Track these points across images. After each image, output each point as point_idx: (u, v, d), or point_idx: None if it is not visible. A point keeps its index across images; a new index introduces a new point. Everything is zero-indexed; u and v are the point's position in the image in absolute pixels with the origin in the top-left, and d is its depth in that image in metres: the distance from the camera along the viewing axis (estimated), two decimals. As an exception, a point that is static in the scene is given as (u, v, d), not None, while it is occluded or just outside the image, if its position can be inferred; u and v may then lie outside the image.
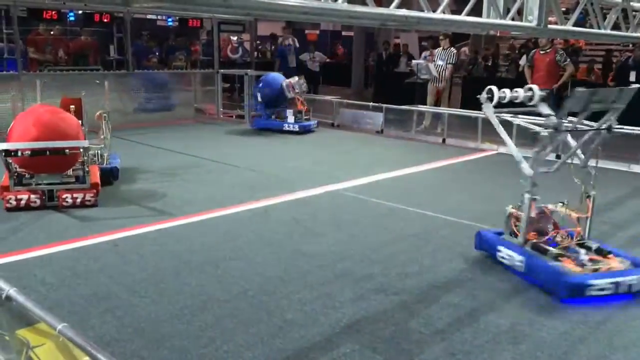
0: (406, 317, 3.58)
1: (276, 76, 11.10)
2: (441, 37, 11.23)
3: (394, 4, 3.13)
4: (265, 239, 4.90)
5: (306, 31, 25.01)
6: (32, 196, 5.52)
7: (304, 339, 3.28)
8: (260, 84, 10.88)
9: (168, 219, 5.35)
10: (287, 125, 10.58)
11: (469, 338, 3.33)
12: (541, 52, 10.10)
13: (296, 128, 10.49)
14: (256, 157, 8.33)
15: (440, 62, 11.31)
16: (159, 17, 14.28)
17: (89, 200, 5.64)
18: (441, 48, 11.39)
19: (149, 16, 14.40)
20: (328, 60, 19.69)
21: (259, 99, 10.80)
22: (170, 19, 13.33)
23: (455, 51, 11.58)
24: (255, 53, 18.78)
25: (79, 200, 5.61)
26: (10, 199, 5.47)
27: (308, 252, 4.63)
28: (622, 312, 3.73)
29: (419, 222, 5.49)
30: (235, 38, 14.79)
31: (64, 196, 5.58)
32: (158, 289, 3.86)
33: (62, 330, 2.49)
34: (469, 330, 3.43)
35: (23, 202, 5.50)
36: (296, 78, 10.75)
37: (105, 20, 11.53)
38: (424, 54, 12.74)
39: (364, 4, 3.14)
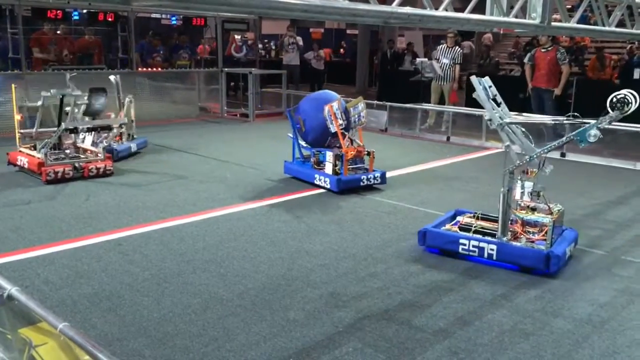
0: (409, 316, 3.57)
1: (324, 96, 6.96)
2: (450, 35, 11.17)
3: (396, 2, 3.12)
4: (268, 238, 4.90)
5: (311, 29, 25.01)
6: (66, 169, 6.49)
7: (306, 337, 3.27)
8: (300, 112, 6.82)
9: (172, 217, 5.36)
10: (319, 177, 6.48)
11: (471, 337, 3.32)
12: (542, 50, 10.07)
13: (328, 185, 6.35)
14: (261, 155, 8.33)
15: (445, 61, 11.27)
16: (163, 15, 14.30)
17: (109, 169, 6.77)
18: (446, 45, 11.35)
19: (153, 15, 14.43)
20: (331, 57, 19.72)
21: (301, 139, 6.92)
22: (174, 18, 13.35)
23: (460, 50, 11.54)
24: (263, 52, 18.84)
25: (101, 170, 6.71)
26: (49, 172, 6.38)
27: (311, 250, 4.63)
28: (625, 311, 3.71)
29: (422, 220, 5.46)
30: (239, 37, 14.79)
31: (90, 167, 6.63)
32: (161, 288, 3.86)
33: (62, 330, 2.49)
34: (472, 329, 3.42)
35: (60, 174, 6.44)
36: (337, 99, 6.73)
37: (110, 19, 11.56)
38: (433, 52, 12.70)
39: (366, 1, 3.13)
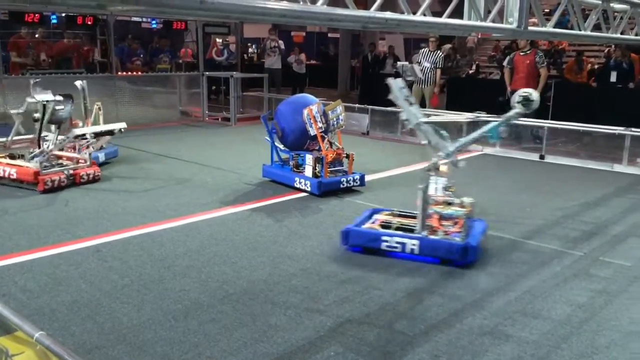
0: (391, 319, 3.58)
1: (303, 99, 7.03)
2: (432, 39, 11.25)
3: (374, 7, 3.13)
4: (250, 242, 4.88)
5: (292, 33, 25.03)
6: (61, 177, 6.40)
7: (288, 342, 3.26)
8: (278, 115, 6.90)
9: (152, 222, 5.31)
10: (299, 180, 6.50)
11: (452, 339, 3.34)
12: (521, 53, 10.21)
13: (309, 188, 6.37)
14: (242, 159, 8.29)
15: (426, 64, 11.35)
16: (143, 19, 14.21)
17: (98, 175, 6.78)
18: (427, 49, 11.43)
19: (133, 18, 14.32)
20: (312, 62, 19.81)
21: (278, 143, 6.91)
22: (154, 21, 13.26)
23: (442, 54, 11.63)
24: (244, 55, 18.81)
25: (91, 176, 6.69)
26: (47, 181, 6.27)
27: (293, 254, 4.62)
28: (604, 312, 3.76)
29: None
30: (220, 40, 14.75)
31: (80, 174, 6.58)
32: (140, 295, 3.82)
33: (39, 339, 2.46)
34: (453, 331, 3.44)
35: (56, 182, 6.34)
36: (316, 102, 6.74)
37: (89, 22, 11.44)
38: (414, 56, 12.84)
39: (345, 6, 3.14)
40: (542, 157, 8.89)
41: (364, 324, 3.50)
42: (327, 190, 6.36)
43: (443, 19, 3.64)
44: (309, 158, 6.48)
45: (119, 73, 11.82)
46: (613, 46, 12.89)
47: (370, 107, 11.23)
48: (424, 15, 3.47)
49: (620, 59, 11.98)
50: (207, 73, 12.64)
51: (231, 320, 3.50)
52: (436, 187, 4.63)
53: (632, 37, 5.83)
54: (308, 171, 6.46)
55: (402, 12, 3.38)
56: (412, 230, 4.62)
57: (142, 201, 6.06)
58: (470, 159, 9.10)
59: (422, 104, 11.52)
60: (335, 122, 6.59)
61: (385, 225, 4.79)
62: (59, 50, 11.95)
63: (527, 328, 3.49)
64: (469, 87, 14.18)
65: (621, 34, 5.69)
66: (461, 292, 3.98)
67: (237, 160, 8.22)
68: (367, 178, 6.83)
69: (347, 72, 19.28)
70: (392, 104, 11.46)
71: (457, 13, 3.96)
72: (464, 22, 3.83)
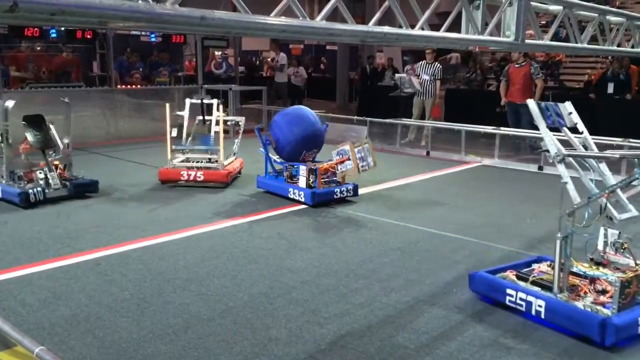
0: (391, 332, 3.57)
1: (298, 111, 7.21)
2: (428, 51, 11.33)
3: (372, 21, 3.16)
4: (249, 255, 4.88)
5: (290, 46, 25.16)
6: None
7: (288, 356, 3.25)
8: (273, 126, 7.01)
9: (151, 236, 5.30)
10: (293, 191, 6.55)
11: (454, 352, 3.33)
12: (516, 65, 10.30)
13: (303, 198, 6.40)
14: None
15: (425, 77, 11.41)
16: (142, 33, 14.27)
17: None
18: (425, 62, 11.49)
19: (132, 32, 14.39)
20: (310, 73, 19.96)
21: (272, 154, 7.01)
22: (153, 35, 13.33)
23: (440, 66, 11.70)
24: (242, 67, 18.87)
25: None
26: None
27: (292, 267, 4.61)
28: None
29: (403, 235, 5.50)
30: (219, 53, 14.83)
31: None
32: (140, 308, 3.81)
33: (39, 354, 2.46)
34: (454, 344, 3.43)
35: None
36: (311, 114, 7.06)
37: (88, 36, 11.51)
38: (406, 67, 12.92)
39: (344, 20, 3.17)
40: (540, 168, 8.91)
41: (365, 337, 3.49)
42: (321, 200, 6.40)
43: (441, 33, 3.67)
44: (302, 169, 6.54)
45: (118, 86, 11.86)
46: (610, 58, 12.98)
47: (368, 118, 11.26)
48: (422, 29, 3.50)
49: (617, 70, 12.06)
50: (206, 86, 12.68)
51: (231, 334, 3.49)
52: (605, 240, 3.69)
53: (629, 49, 5.88)
54: (302, 182, 6.52)
55: (400, 26, 3.41)
56: (550, 288, 3.68)
57: (141, 214, 6.06)
58: (469, 170, 9.14)
59: (424, 116, 11.59)
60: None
61: (522, 277, 3.91)
62: (58, 64, 12.00)
63: (529, 340, 3.48)
64: (467, 98, 14.25)
65: (618, 46, 5.73)
66: (462, 305, 3.97)
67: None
68: (365, 190, 6.84)
69: (346, 84, 19.36)
70: (389, 115, 11.50)
71: (455, 26, 4.00)
72: (462, 35, 3.86)
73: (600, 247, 3.71)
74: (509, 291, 3.80)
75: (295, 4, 2.68)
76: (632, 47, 6.09)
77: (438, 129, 10.90)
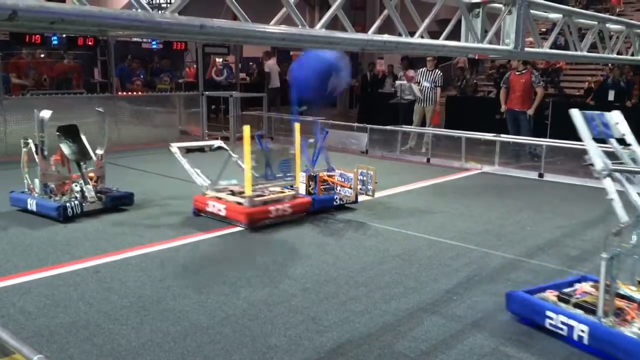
0: (391, 340, 3.56)
1: (317, 52, 5.83)
2: (429, 58, 11.37)
3: (372, 30, 3.17)
4: (249, 262, 4.87)
5: (291, 52, 25.19)
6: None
7: (287, 364, 3.24)
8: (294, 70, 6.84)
9: (151, 243, 5.30)
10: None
11: (453, 360, 3.32)
12: (516, 73, 10.33)
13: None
14: (239, 177, 8.29)
15: (426, 84, 11.44)
16: (144, 40, 14.35)
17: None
18: (426, 68, 11.51)
19: (133, 39, 14.46)
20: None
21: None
22: (154, 42, 13.39)
23: (440, 73, 11.73)
24: (244, 74, 18.95)
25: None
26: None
27: (292, 274, 4.61)
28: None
29: (403, 243, 5.49)
30: (220, 60, 14.88)
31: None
32: (139, 316, 3.80)
33: (38, 362, 2.45)
34: (454, 352, 3.41)
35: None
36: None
37: (90, 43, 11.57)
38: (399, 74, 13.06)
39: (344, 29, 3.17)
40: (541, 175, 8.91)
41: (365, 345, 3.48)
42: (321, 207, 6.42)
43: (440, 41, 3.67)
44: (302, 176, 6.53)
45: (120, 93, 11.90)
46: (610, 65, 13.00)
47: (369, 125, 11.28)
48: (422, 37, 3.51)
49: (618, 77, 12.08)
50: (206, 93, 12.72)
51: (230, 342, 3.47)
52: None
53: (628, 57, 5.88)
54: (301, 188, 6.51)
55: (400, 35, 3.42)
56: (594, 312, 3.39)
57: (140, 221, 6.05)
58: (469, 177, 9.14)
59: (423, 123, 11.62)
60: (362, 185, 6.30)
61: (564, 298, 3.64)
62: (59, 71, 12.05)
63: (528, 348, 3.47)
64: (468, 105, 14.27)
65: (617, 54, 5.73)
66: (462, 312, 3.96)
67: (233, 177, 8.20)
68: (365, 197, 6.82)
69: (346, 91, 19.39)
70: (389, 122, 11.52)
71: (455, 34, 4.01)
72: (462, 44, 3.87)
73: None
74: (548, 314, 3.53)
75: (294, 12, 2.69)
76: (632, 55, 6.10)
77: (438, 136, 10.92)
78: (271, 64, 15.52)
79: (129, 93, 12.26)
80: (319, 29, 2.78)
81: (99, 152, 6.43)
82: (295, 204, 6.14)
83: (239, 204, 5.87)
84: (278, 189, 6.36)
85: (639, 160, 3.68)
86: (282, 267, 4.78)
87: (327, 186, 6.59)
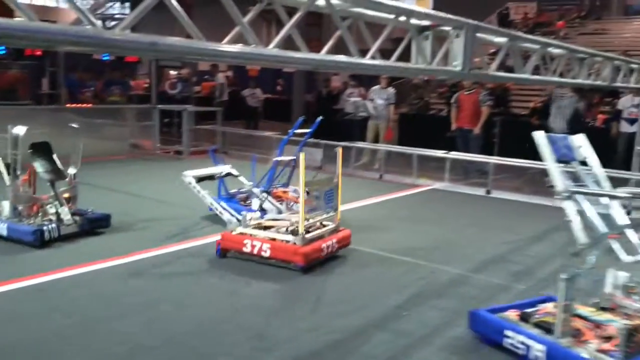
0: (339, 357, 3.59)
1: None
2: (383, 76, 11.57)
3: (324, 50, 3.23)
4: (197, 280, 4.81)
5: (247, 67, 25.19)
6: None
7: (236, 383, 3.22)
8: None
9: (99, 260, 5.16)
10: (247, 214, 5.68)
11: (401, 376, 3.37)
12: (466, 92, 10.69)
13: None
14: (192, 193, 8.20)
15: (379, 101, 11.63)
16: (95, 50, 14.09)
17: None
18: (379, 87, 11.71)
19: (84, 50, 14.19)
20: (267, 96, 20.16)
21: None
22: (106, 54, 13.15)
23: (393, 91, 11.95)
24: (199, 87, 18.77)
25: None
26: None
27: (240, 291, 4.58)
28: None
29: (352, 258, 5.54)
30: (174, 73, 14.73)
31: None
32: (86, 336, 3.70)
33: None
34: (402, 368, 3.47)
35: None
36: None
37: (38, 53, 11.26)
38: (349, 91, 13.30)
39: (298, 48, 3.22)
40: (488, 192, 9.17)
41: (314, 362, 3.49)
42: None
43: (391, 62, 3.77)
44: (256, 192, 6.48)
45: (68, 105, 11.60)
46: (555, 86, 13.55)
47: (323, 141, 11.35)
48: (373, 58, 3.59)
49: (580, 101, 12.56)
50: (159, 106, 12.54)
51: (178, 361, 3.42)
52: (614, 283, 3.52)
53: (569, 80, 6.16)
54: (255, 204, 6.43)
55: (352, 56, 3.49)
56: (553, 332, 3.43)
57: (88, 237, 5.88)
58: (420, 193, 9.31)
59: (377, 139, 11.78)
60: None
61: (525, 318, 3.69)
62: (5, 82, 11.67)
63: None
64: (420, 123, 14.57)
65: (559, 76, 6.00)
66: (411, 328, 4.03)
67: (187, 195, 8.11)
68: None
69: (302, 107, 19.49)
70: (343, 138, 11.64)
71: (407, 52, 4.12)
72: (412, 65, 3.98)
73: (608, 290, 3.54)
74: (507, 332, 3.57)
75: (247, 31, 2.71)
76: (573, 77, 6.39)
77: (391, 152, 11.09)
78: (221, 77, 15.52)
79: (79, 105, 11.96)
80: (271, 49, 2.82)
81: (72, 170, 5.99)
82: (340, 238, 5.53)
83: (286, 242, 5.16)
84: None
85: (600, 182, 3.75)
86: (230, 284, 4.74)
87: (281, 203, 6.58)
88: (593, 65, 6.41)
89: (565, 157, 3.81)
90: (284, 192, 6.63)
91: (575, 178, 3.85)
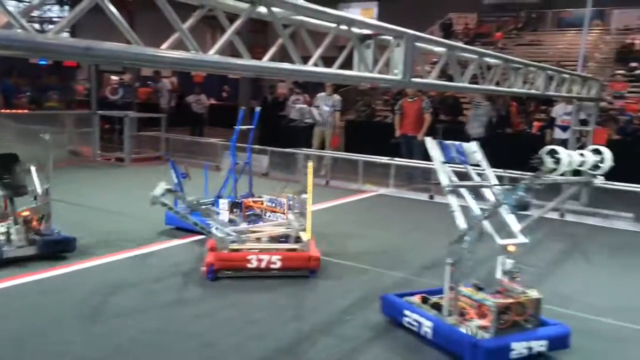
0: (286, 363, 3.59)
1: None
2: (328, 83, 11.67)
3: (266, 57, 3.24)
4: (142, 289, 4.71)
5: (192, 72, 24.83)
6: None
7: (179, 394, 3.17)
8: None
9: (38, 270, 4.95)
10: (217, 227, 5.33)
11: (346, 380, 3.40)
12: (409, 100, 10.95)
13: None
14: (135, 201, 8.01)
15: (325, 108, 11.72)
16: (31, 54, 13.57)
17: None
18: (325, 94, 11.81)
19: (19, 53, 13.64)
20: (213, 102, 19.96)
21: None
22: (42, 59, 12.69)
23: (339, 98, 12.07)
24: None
25: None
26: None
27: (187, 300, 4.52)
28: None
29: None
30: (116, 78, 14.38)
31: None
32: (21, 349, 3.55)
33: None
34: (347, 371, 3.50)
35: None
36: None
37: (-31, 56, 10.75)
38: (291, 98, 13.39)
39: (240, 55, 3.22)
40: (431, 197, 9.39)
41: (259, 369, 3.48)
42: None
43: (334, 70, 3.81)
44: (223, 203, 6.20)
45: (3, 110, 11.12)
46: (495, 95, 14.04)
47: (269, 148, 11.35)
48: (316, 65, 3.63)
49: (500, 106, 13.06)
50: (99, 112, 12.20)
51: (119, 374, 3.34)
52: (503, 269, 3.81)
53: (505, 89, 6.40)
54: (224, 216, 6.09)
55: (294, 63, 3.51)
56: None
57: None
58: (366, 199, 9.44)
59: (323, 146, 11.86)
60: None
61: (426, 299, 4.11)
62: None
63: (416, 364, 3.64)
64: (365, 129, 14.79)
65: (496, 85, 6.22)
66: (355, 332, 4.07)
67: (132, 202, 7.92)
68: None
69: (248, 113, 19.39)
70: (290, 145, 11.65)
71: (350, 62, 4.18)
72: (354, 73, 4.04)
73: (498, 275, 3.85)
74: (405, 312, 4.02)
75: (186, 37, 2.69)
76: (509, 86, 6.65)
77: (337, 158, 11.20)
78: (167, 83, 15.28)
79: (14, 110, 11.47)
80: (212, 55, 2.80)
81: (44, 186, 5.45)
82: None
83: (293, 250, 5.23)
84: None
85: (488, 181, 4.18)
86: (177, 293, 4.66)
87: (252, 212, 6.31)
88: (528, 74, 6.68)
89: (457, 160, 4.32)
90: (255, 201, 6.47)
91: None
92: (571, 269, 5.90)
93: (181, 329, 3.99)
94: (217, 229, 5.17)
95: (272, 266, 5.03)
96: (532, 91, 6.75)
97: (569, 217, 8.23)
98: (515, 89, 6.44)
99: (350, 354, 3.75)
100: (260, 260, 5.00)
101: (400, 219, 8.09)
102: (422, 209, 8.86)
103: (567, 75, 7.58)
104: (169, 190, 4.98)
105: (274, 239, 5.44)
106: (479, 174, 4.35)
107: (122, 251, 5.68)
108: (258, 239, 5.37)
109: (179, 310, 4.32)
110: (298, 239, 5.37)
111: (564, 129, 10.43)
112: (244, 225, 5.65)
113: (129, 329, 3.94)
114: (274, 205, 6.12)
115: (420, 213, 8.55)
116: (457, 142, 4.39)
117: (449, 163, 4.24)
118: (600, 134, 9.06)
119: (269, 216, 6.16)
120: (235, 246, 5.15)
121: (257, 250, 5.11)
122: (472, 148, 4.38)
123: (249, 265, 5.01)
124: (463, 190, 4.10)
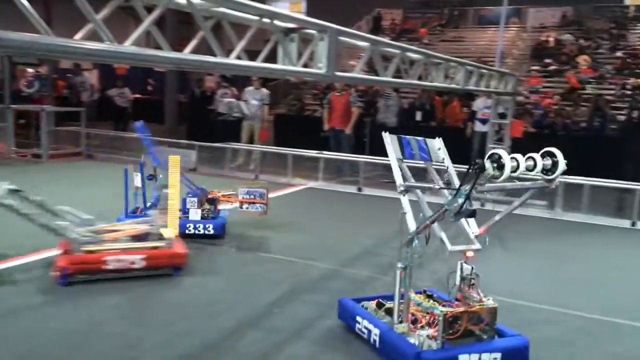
0: (214, 357, 3.57)
1: None
2: (255, 78, 11.60)
3: (187, 49, 3.18)
4: (62, 290, 4.51)
5: (115, 65, 23.94)
6: None
7: (101, 395, 3.08)
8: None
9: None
10: (195, 226, 5.94)
11: (273, 372, 3.42)
12: (336, 94, 11.09)
13: (212, 231, 6.03)
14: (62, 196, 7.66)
15: (253, 102, 11.65)
16: None
17: None
18: (253, 88, 11.74)
19: None
20: (137, 96, 19.36)
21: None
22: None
23: (267, 92, 12.03)
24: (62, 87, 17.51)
25: None
26: None
27: (109, 302, 4.37)
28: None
29: (227, 259, 5.52)
30: (31, 71, 13.63)
31: None
32: None
33: None
34: (275, 363, 3.53)
35: None
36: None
37: None
38: (219, 92, 13.26)
39: (159, 46, 3.15)
40: (359, 189, 9.56)
41: (185, 366, 3.44)
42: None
43: (258, 63, 3.80)
44: (190, 201, 6.00)
45: None
46: (420, 89, 14.43)
47: (197, 143, 11.15)
48: (239, 58, 3.61)
49: (424, 100, 13.45)
50: (13, 106, 11.53)
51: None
52: (462, 275, 3.59)
53: (427, 83, 6.61)
54: (194, 214, 5.96)
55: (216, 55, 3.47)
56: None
57: None
58: (295, 192, 9.48)
59: (252, 140, 11.80)
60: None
61: (381, 304, 3.91)
62: None
63: (346, 354, 3.70)
64: (295, 123, 14.84)
65: (418, 79, 6.40)
66: (282, 324, 4.10)
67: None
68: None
69: (175, 107, 18.93)
70: (218, 139, 11.51)
71: (275, 55, 4.18)
72: (278, 66, 4.05)
73: (457, 282, 3.62)
74: (357, 319, 3.83)
75: (100, 27, 2.60)
76: (431, 81, 6.87)
77: (266, 153, 11.17)
78: (91, 76, 14.66)
79: None
80: (128, 46, 2.72)
81: None
82: None
83: (157, 247, 4.91)
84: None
85: (452, 180, 3.75)
86: (98, 293, 4.51)
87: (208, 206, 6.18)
88: (448, 69, 6.92)
89: (418, 158, 4.03)
90: (226, 196, 6.34)
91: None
92: (489, 255, 6.19)
93: (101, 330, 3.86)
94: (68, 229, 4.72)
95: (134, 266, 4.71)
96: (453, 85, 7.00)
97: (488, 206, 8.61)
98: (436, 83, 6.66)
99: (278, 346, 3.76)
100: (119, 261, 4.68)
101: (329, 211, 8.19)
102: (350, 201, 9.01)
103: (485, 71, 7.91)
104: (12, 191, 4.56)
105: (136, 237, 5.04)
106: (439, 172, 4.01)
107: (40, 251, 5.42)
108: (116, 239, 4.95)
109: (92, 313, 4.16)
110: (161, 237, 5.05)
111: (484, 122, 10.89)
112: (100, 225, 5.09)
113: (49, 331, 3.78)
114: (252, 197, 6.15)
115: (348, 205, 8.69)
116: (420, 138, 4.12)
117: (407, 160, 3.94)
118: (517, 127, 9.52)
119: (247, 208, 6.22)
120: (90, 247, 4.76)
121: (116, 251, 4.76)
122: (436, 145, 4.12)
123: (107, 267, 4.65)
124: (418, 190, 3.80)
